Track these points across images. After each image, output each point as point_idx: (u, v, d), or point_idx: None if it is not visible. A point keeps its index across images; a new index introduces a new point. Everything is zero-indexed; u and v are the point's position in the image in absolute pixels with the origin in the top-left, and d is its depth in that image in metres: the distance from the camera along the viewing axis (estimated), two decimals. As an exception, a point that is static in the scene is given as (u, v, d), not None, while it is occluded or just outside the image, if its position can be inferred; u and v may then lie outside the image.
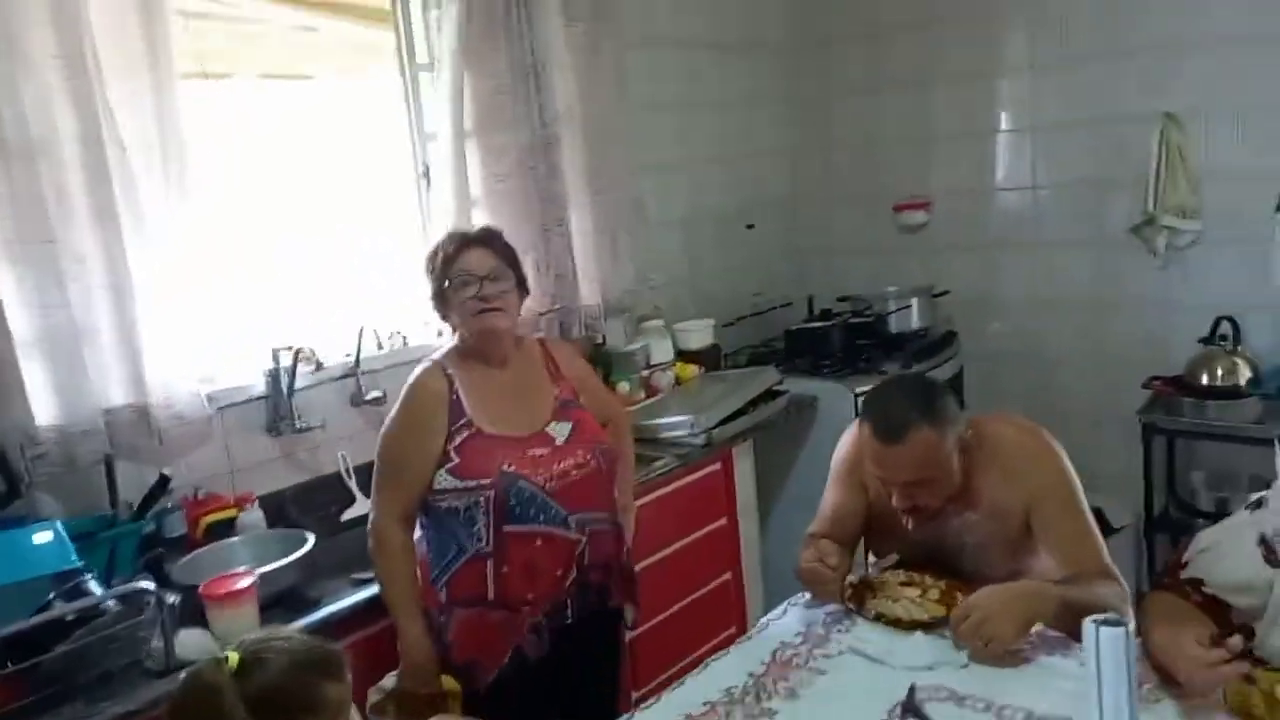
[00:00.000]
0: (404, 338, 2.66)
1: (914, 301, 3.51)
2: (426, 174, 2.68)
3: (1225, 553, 1.47)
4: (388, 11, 2.60)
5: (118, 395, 2.06)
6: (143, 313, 2.07)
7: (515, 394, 1.87)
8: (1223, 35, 2.93)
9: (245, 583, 1.78)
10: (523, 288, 1.94)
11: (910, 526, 1.77)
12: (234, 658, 1.17)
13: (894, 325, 3.51)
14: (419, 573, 1.83)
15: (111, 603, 1.63)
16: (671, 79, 3.35)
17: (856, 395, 3.06)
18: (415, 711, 1.73)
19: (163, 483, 2.00)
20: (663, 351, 3.16)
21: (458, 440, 1.76)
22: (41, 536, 1.74)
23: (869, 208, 3.77)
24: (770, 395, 2.98)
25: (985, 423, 1.82)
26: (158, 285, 2.09)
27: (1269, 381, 2.88)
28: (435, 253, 1.87)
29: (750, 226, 3.66)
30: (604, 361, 3.02)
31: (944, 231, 3.66)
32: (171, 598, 1.70)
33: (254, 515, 2.20)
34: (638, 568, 2.46)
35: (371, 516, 1.81)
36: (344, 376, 2.46)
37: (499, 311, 1.83)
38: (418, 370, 1.87)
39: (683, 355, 3.23)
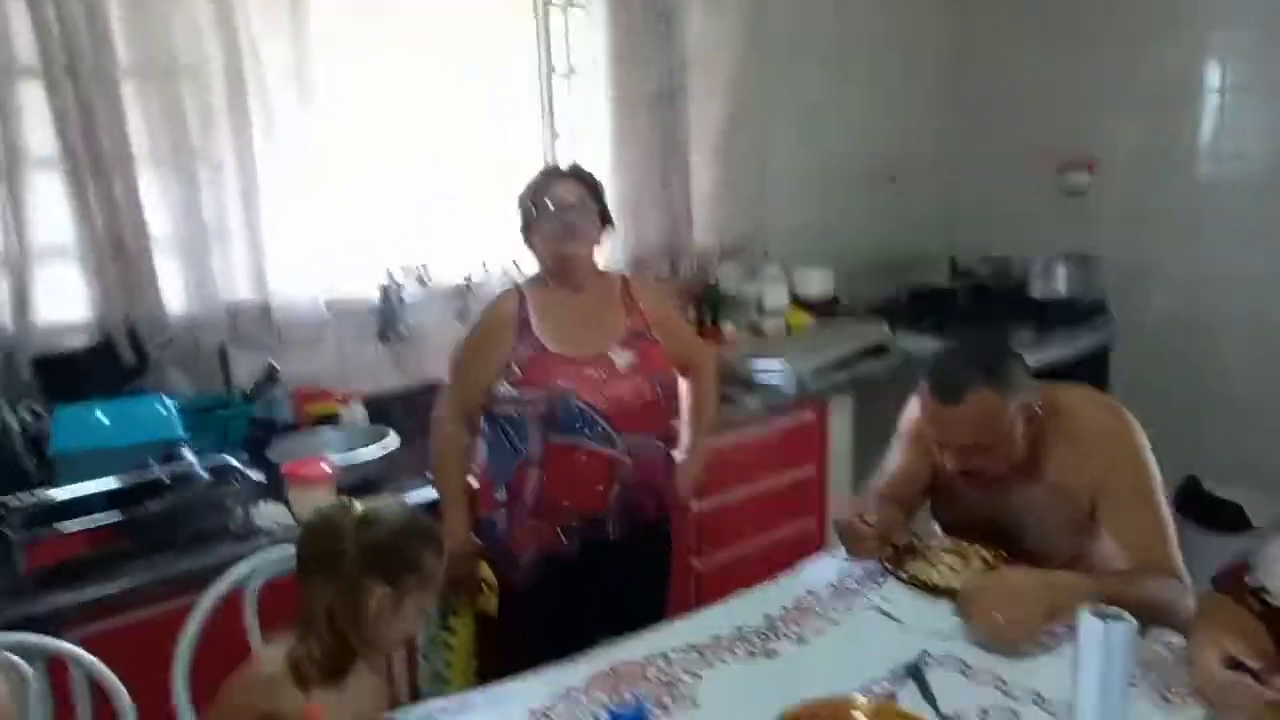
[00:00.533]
0: (518, 265, 2.76)
1: (1061, 266, 3.27)
2: (551, 108, 2.75)
3: (1296, 563, 1.32)
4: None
5: (243, 291, 2.29)
6: (270, 220, 2.29)
7: (585, 318, 1.95)
8: None
9: (322, 467, 1.95)
10: (606, 221, 2.00)
11: (965, 489, 1.71)
12: (359, 507, 1.35)
13: (1036, 290, 3.30)
14: (481, 476, 1.96)
15: (204, 472, 1.83)
16: (821, 21, 3.24)
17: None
18: (454, 593, 1.89)
19: (270, 373, 2.22)
20: (777, 296, 3.13)
21: (521, 354, 1.87)
22: (156, 409, 1.98)
23: (1029, 167, 3.51)
24: (879, 351, 2.89)
25: (1061, 394, 1.71)
26: (286, 196, 2.29)
27: None
28: (527, 187, 1.96)
29: (893, 180, 3.51)
30: (714, 302, 3.03)
31: (1109, 196, 3.36)
32: (256, 474, 1.90)
33: (357, 411, 2.40)
34: (714, 503, 2.54)
35: (435, 412, 1.96)
36: (457, 296, 2.61)
37: (577, 239, 1.92)
38: (500, 292, 1.98)
39: (800, 303, 3.17)
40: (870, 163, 3.45)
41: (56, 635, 1.57)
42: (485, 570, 1.92)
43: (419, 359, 2.57)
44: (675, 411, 2.05)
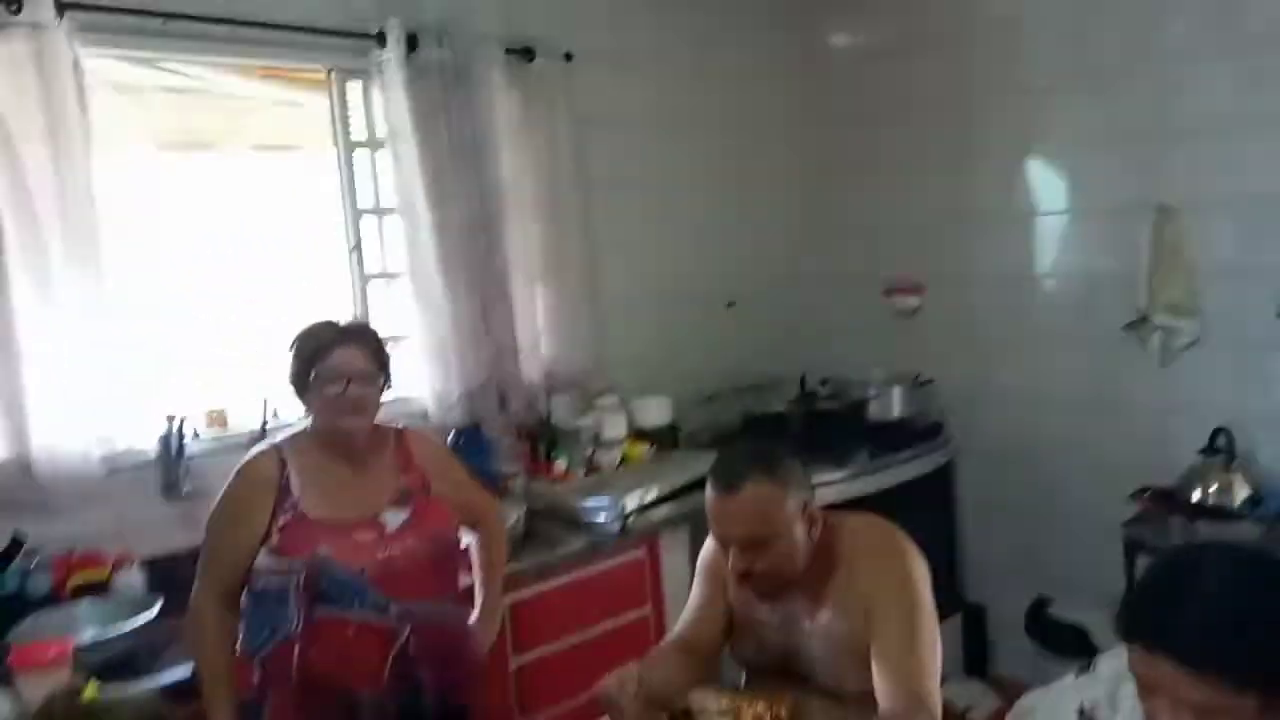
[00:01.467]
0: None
1: (895, 389, 3.31)
2: (358, 247, 2.69)
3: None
4: (322, 83, 2.64)
5: (2, 451, 2.09)
6: (32, 372, 2.11)
7: (352, 480, 1.82)
8: (1216, 116, 2.69)
9: (58, 650, 1.74)
10: (387, 384, 1.90)
11: (758, 621, 1.68)
12: (89, 696, 1.16)
13: (874, 413, 3.31)
14: (239, 654, 1.77)
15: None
16: (648, 149, 3.28)
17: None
18: None
19: (15, 544, 2.00)
20: (615, 428, 3.05)
21: (280, 521, 1.73)
22: None
23: (864, 290, 3.60)
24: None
25: (846, 518, 1.71)
26: (53, 344, 2.13)
27: (1270, 502, 2.57)
28: (306, 338, 1.83)
29: (731, 304, 3.53)
30: (547, 437, 2.94)
31: (937, 319, 3.45)
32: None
33: (131, 577, 2.19)
34: (535, 655, 2.38)
35: (192, 595, 1.77)
36: (253, 443, 2.44)
37: (359, 414, 1.80)
38: (252, 451, 1.84)
39: (639, 434, 3.11)
40: (708, 287, 3.46)
41: None
42: None
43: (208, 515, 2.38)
44: (455, 573, 1.92)
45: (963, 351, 3.38)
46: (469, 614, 2.01)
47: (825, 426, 3.22)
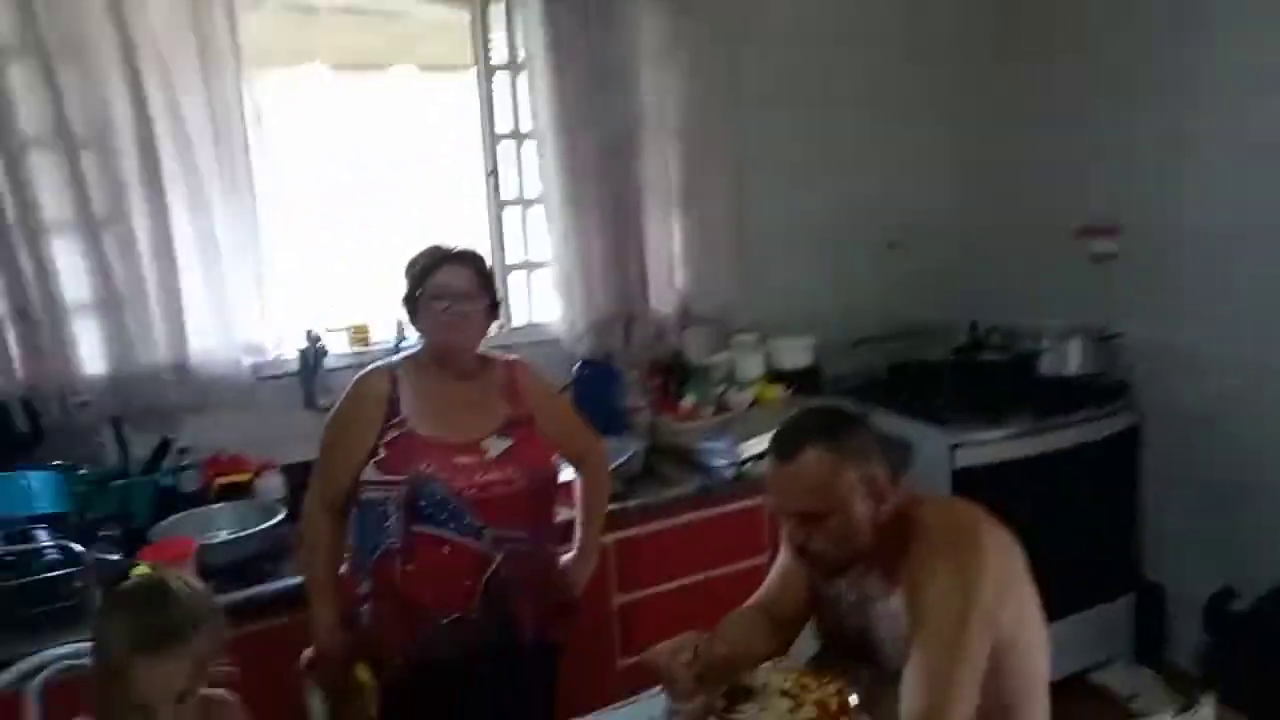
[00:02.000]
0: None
1: (1073, 341, 2.97)
2: (495, 172, 2.68)
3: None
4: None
5: (161, 355, 2.28)
6: (190, 283, 2.27)
7: (461, 404, 1.86)
8: None
9: (179, 549, 1.90)
10: (495, 310, 1.91)
11: (835, 598, 1.58)
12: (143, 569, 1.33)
13: (1045, 367, 3.00)
14: (348, 565, 1.87)
15: (55, 552, 1.80)
16: (800, 74, 3.04)
17: (952, 447, 2.66)
18: (331, 690, 1.80)
19: (164, 444, 2.19)
20: (750, 368, 2.94)
21: (388, 437, 1.78)
22: (39, 481, 1.97)
23: (1047, 233, 3.21)
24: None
25: (924, 497, 1.55)
26: (210, 258, 2.28)
27: None
28: (415, 261, 1.87)
29: (894, 245, 3.27)
30: (677, 372, 2.87)
31: (1132, 267, 3.02)
32: (113, 556, 1.87)
33: (271, 482, 2.35)
34: (641, 594, 2.37)
35: (304, 503, 1.87)
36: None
37: (464, 331, 1.84)
38: (367, 369, 1.89)
39: (777, 376, 2.98)
40: (867, 224, 3.21)
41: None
42: (361, 671, 1.80)
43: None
44: (551, 507, 1.93)
45: (1158, 305, 2.95)
46: (565, 550, 2.01)
47: (986, 379, 2.95)
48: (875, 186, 3.19)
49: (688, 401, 2.77)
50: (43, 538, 1.84)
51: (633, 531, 2.38)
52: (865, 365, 3.16)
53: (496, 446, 1.82)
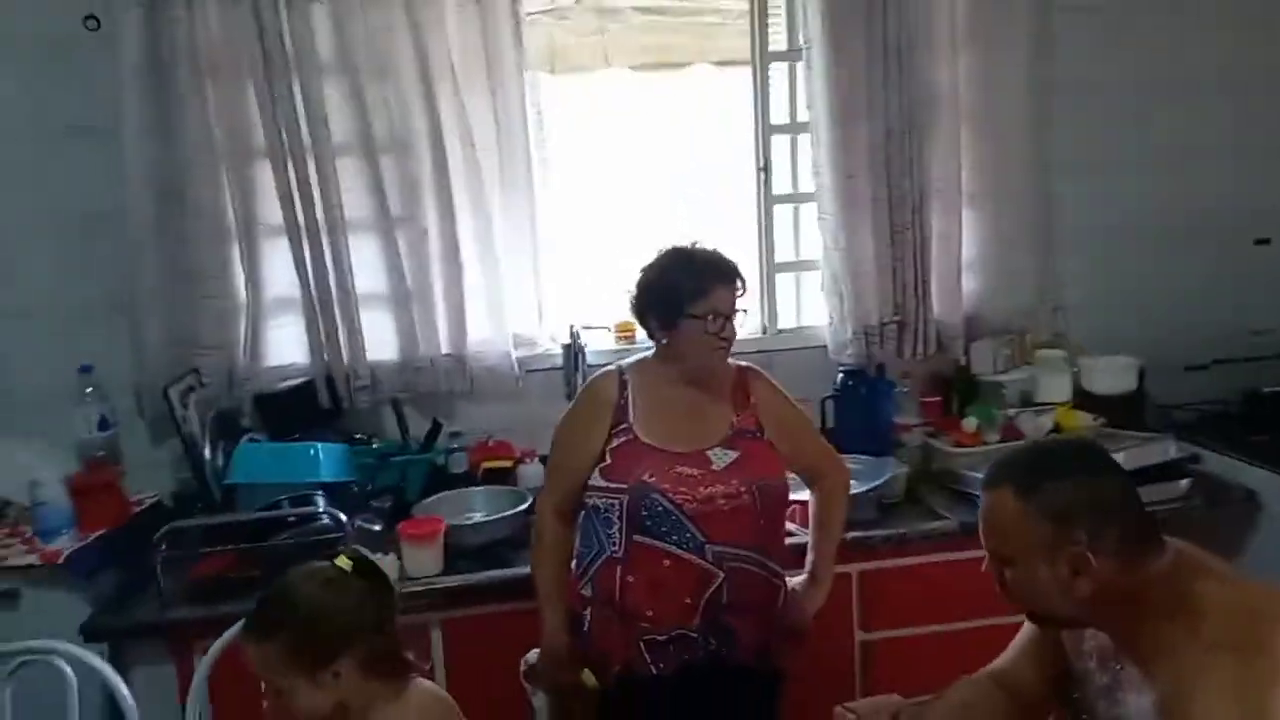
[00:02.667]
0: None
1: None
2: (766, 168, 2.57)
3: None
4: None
5: (441, 345, 2.46)
6: (471, 279, 2.43)
7: (688, 411, 1.80)
8: None
9: (430, 528, 2.05)
10: None
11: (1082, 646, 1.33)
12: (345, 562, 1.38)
13: None
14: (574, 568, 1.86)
15: (325, 517, 2.01)
16: (1144, 55, 2.59)
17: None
18: (555, 691, 1.83)
19: (436, 426, 2.37)
20: (1054, 389, 2.56)
21: (615, 443, 1.77)
22: (326, 452, 2.21)
23: None
24: (1169, 473, 2.22)
25: (1207, 575, 1.20)
26: (490, 256, 2.43)
27: None
28: (680, 270, 1.77)
29: (1263, 241, 2.67)
30: (962, 389, 2.58)
31: None
32: (376, 525, 2.08)
33: (532, 469, 2.44)
34: (887, 634, 2.18)
35: (537, 503, 1.90)
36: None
37: (726, 350, 1.79)
38: (599, 373, 1.89)
39: (1087, 401, 2.56)
40: (1217, 220, 2.66)
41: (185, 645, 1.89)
42: (586, 675, 1.77)
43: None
44: (780, 526, 1.82)
45: None
46: (795, 574, 1.88)
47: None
48: (1229, 176, 2.63)
49: (970, 424, 2.47)
50: (319, 503, 2.05)
51: (885, 563, 2.17)
52: (1206, 393, 2.62)
53: (723, 458, 1.74)
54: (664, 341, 1.81)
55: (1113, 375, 2.57)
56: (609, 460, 1.75)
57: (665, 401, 1.80)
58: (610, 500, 1.74)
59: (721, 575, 1.70)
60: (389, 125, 2.32)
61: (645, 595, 1.71)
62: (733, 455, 1.74)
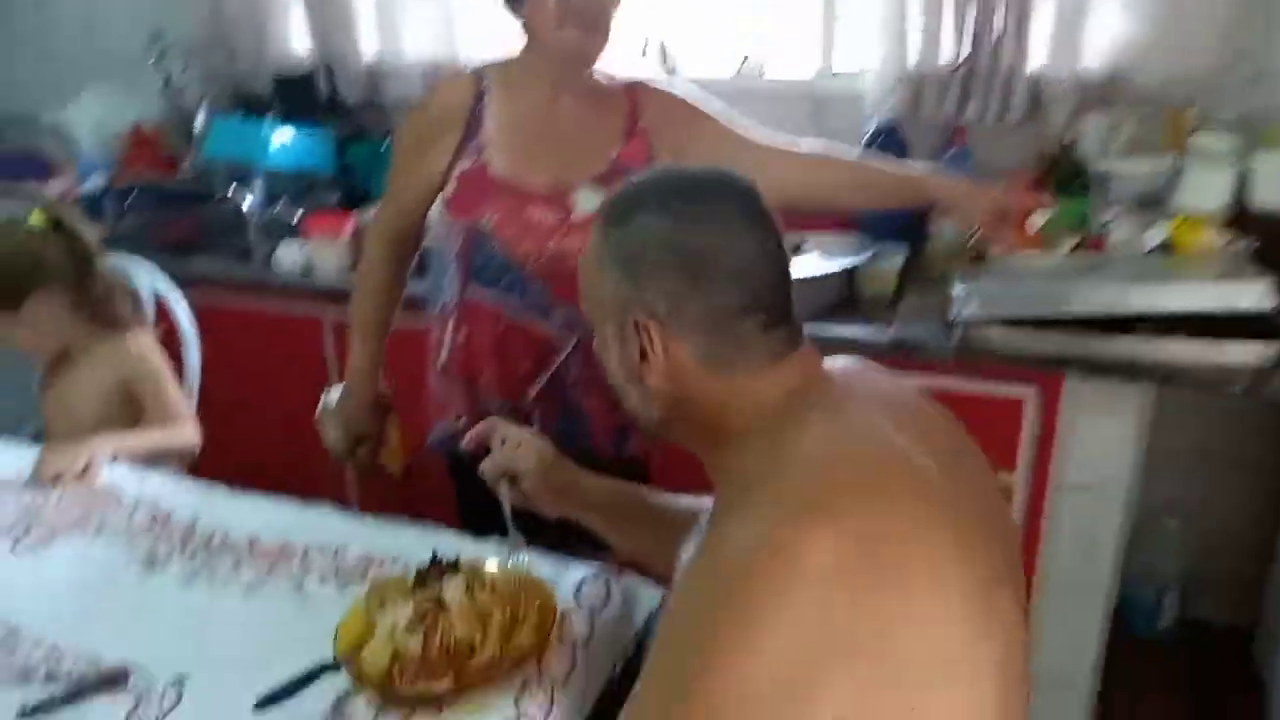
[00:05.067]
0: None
1: None
2: None
3: None
4: None
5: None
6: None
7: (556, 137, 1.40)
8: None
9: (336, 224, 2.02)
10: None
11: None
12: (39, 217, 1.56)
13: None
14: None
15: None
16: None
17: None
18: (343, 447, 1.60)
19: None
20: (1204, 193, 1.74)
21: (460, 167, 1.40)
22: (303, 137, 2.23)
23: None
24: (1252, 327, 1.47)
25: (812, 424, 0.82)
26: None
27: None
28: None
29: None
30: (1064, 172, 1.86)
31: None
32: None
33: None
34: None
35: (367, 229, 1.67)
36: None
37: (600, 36, 1.35)
38: (451, 73, 1.60)
39: (1242, 218, 1.72)
40: None
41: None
42: (392, 429, 1.61)
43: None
44: None
45: None
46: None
47: None
48: None
49: (1035, 222, 1.76)
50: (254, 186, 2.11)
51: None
52: None
53: (588, 202, 1.36)
54: (529, 26, 1.38)
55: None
56: (451, 189, 1.40)
57: (529, 119, 1.40)
58: (449, 241, 1.43)
59: (569, 348, 1.40)
60: None
61: (478, 360, 1.44)
62: (600, 197, 1.34)
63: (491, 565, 1.08)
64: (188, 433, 1.62)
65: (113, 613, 1.12)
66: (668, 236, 0.82)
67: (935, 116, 1.90)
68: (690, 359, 0.83)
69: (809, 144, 1.41)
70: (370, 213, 2.09)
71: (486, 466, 1.14)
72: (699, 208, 0.83)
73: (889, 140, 1.89)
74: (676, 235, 0.82)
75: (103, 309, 1.58)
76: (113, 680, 0.99)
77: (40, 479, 1.37)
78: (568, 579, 1.11)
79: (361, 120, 2.39)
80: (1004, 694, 0.73)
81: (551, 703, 0.95)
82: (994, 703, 0.72)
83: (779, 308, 0.83)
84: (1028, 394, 1.62)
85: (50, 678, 1.00)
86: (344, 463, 1.59)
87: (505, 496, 1.12)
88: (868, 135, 1.91)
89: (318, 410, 1.59)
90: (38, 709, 0.95)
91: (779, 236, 0.84)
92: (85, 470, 1.39)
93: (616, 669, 1.04)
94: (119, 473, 1.42)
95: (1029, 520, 1.69)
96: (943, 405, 0.92)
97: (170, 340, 1.79)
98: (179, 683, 0.99)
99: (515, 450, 1.13)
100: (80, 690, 0.98)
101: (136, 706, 0.96)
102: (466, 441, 1.20)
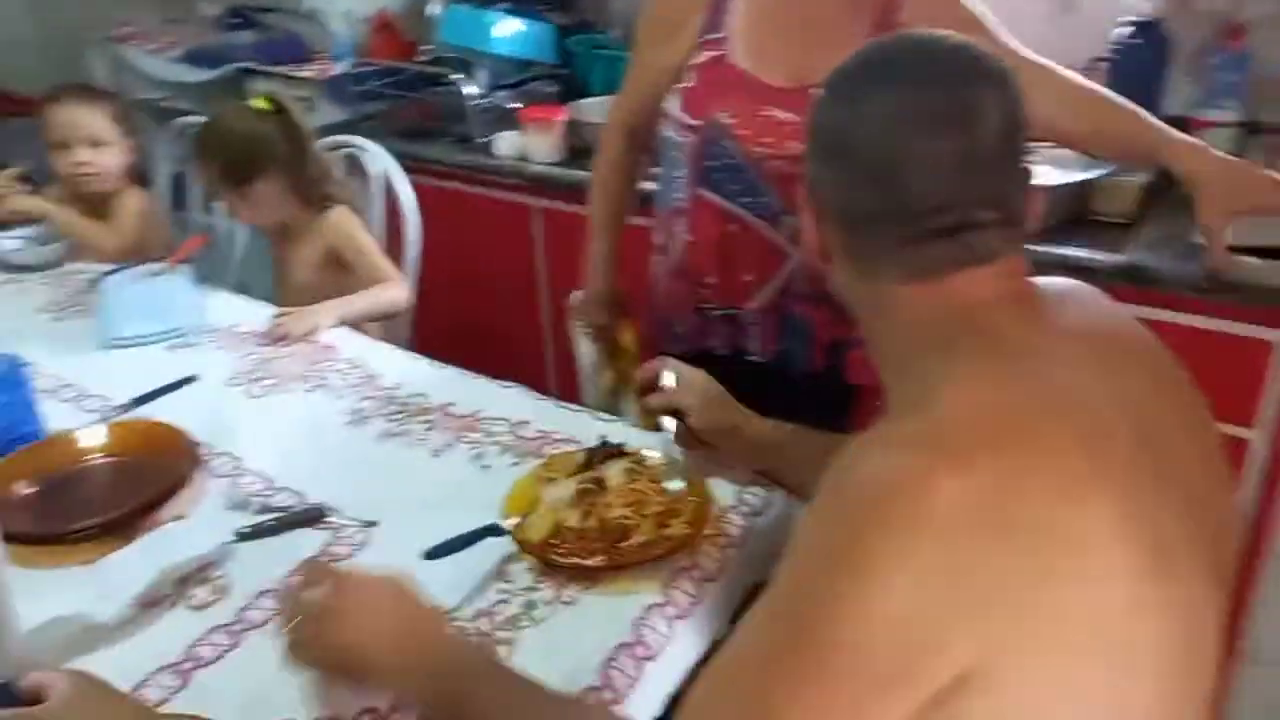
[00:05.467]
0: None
1: None
2: None
3: None
4: None
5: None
6: None
7: (805, 28, 1.27)
8: None
9: (549, 114, 2.05)
10: None
11: None
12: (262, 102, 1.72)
13: None
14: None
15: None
16: None
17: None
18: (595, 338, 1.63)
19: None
20: None
21: (700, 58, 1.32)
22: (529, 29, 2.26)
23: None
24: None
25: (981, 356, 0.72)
26: None
27: None
28: None
29: None
30: None
31: None
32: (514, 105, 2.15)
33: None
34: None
35: (607, 114, 1.59)
36: None
37: None
38: None
39: None
40: None
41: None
42: (626, 332, 1.59)
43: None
44: None
45: None
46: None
47: None
48: None
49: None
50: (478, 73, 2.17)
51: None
52: None
53: None
54: None
55: None
56: (689, 82, 1.32)
57: (776, 9, 1.29)
58: (681, 136, 1.34)
59: (797, 257, 1.30)
60: None
61: (705, 262, 1.37)
62: None
63: (656, 456, 1.10)
64: (396, 291, 1.73)
65: (319, 458, 1.23)
66: (828, 119, 0.78)
67: (1207, 6, 1.64)
68: (839, 253, 0.79)
69: (1065, 73, 1.24)
70: (584, 104, 2.13)
71: (653, 401, 1.13)
72: (872, 94, 0.74)
73: (1147, 37, 1.65)
74: (834, 119, 0.77)
75: (316, 190, 1.72)
76: (314, 517, 1.10)
77: (272, 337, 1.52)
78: (731, 484, 1.11)
79: (584, 12, 2.41)
80: (1169, 681, 0.65)
81: (699, 595, 0.96)
82: (1153, 689, 0.64)
83: (947, 220, 0.71)
84: (1278, 338, 1.42)
85: (264, 508, 1.12)
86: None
87: (671, 432, 1.12)
88: (1121, 28, 1.69)
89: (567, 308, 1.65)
90: (252, 534, 1.07)
91: (981, 143, 0.71)
92: (309, 333, 1.53)
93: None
94: (338, 334, 1.56)
95: (1265, 486, 1.50)
96: (1168, 346, 0.80)
97: (393, 219, 1.92)
98: (368, 526, 1.09)
99: (683, 387, 1.12)
100: (286, 522, 1.09)
101: (331, 543, 1.07)
102: (639, 379, 1.18)
